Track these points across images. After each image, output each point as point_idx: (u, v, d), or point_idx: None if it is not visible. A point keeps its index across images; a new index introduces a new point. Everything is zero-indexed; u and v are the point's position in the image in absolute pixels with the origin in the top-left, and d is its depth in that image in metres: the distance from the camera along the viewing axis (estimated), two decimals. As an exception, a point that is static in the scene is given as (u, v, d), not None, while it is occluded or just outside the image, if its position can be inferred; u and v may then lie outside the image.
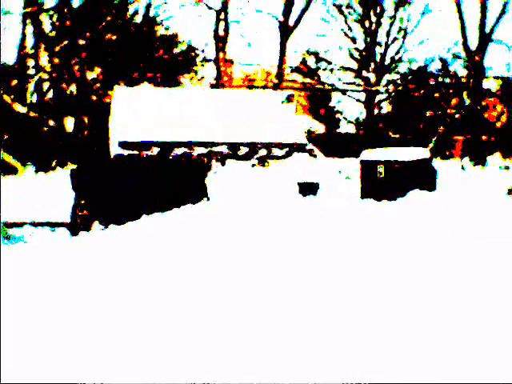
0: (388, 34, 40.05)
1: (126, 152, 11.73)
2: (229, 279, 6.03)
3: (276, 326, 4.52)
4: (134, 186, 10.92)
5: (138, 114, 11.77)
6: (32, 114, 18.08)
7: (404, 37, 40.03)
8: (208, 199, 11.86)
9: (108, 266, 6.72)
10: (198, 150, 12.19)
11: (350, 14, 39.90)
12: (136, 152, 11.68)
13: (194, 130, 12.24)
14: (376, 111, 39.63)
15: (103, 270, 6.55)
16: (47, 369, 3.72)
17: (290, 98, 15.06)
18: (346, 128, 43.17)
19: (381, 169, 15.12)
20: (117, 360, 3.85)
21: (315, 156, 21.49)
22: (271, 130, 13.39)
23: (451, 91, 37.44)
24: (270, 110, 13.44)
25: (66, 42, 20.41)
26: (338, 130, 43.42)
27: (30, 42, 22.21)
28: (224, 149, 12.76)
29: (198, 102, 12.41)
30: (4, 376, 3.56)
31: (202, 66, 32.11)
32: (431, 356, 3.86)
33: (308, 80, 42.04)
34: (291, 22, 31.60)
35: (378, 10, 39.71)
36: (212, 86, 30.54)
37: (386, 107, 40.48)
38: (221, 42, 31.64)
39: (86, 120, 16.83)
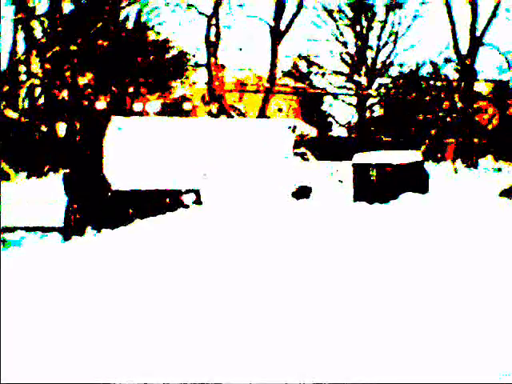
0: (379, 38, 40.14)
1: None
2: (223, 280, 6.04)
3: (272, 326, 4.53)
4: (126, 190, 10.91)
5: (131, 155, 11.71)
6: (24, 119, 18.05)
7: (395, 41, 40.12)
8: (201, 203, 11.85)
9: (101, 271, 6.72)
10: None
11: (340, 18, 39.97)
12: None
13: (184, 175, 12.19)
14: (368, 115, 39.70)
15: (96, 274, 6.55)
16: (44, 370, 3.72)
17: (293, 129, 15.10)
18: (338, 131, 43.22)
19: (373, 172, 15.15)
20: (115, 360, 3.86)
21: (308, 159, 21.48)
22: (266, 177, 13.41)
23: (442, 94, 37.52)
24: (269, 149, 13.42)
25: (57, 48, 20.40)
26: (330, 134, 43.45)
27: (21, 48, 22.19)
28: None
29: (192, 139, 12.33)
30: (4, 376, 3.56)
31: (194, 70, 32.11)
32: (430, 357, 3.88)
33: (300, 84, 42.09)
34: (282, 27, 31.61)
35: (369, 14, 39.79)
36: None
37: (378, 111, 40.56)
38: (212, 47, 31.63)
39: (78, 125, 16.83)
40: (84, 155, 10.47)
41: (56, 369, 3.75)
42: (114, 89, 22.21)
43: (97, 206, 9.92)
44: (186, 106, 30.49)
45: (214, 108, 29.07)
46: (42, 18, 21.26)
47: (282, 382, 3.44)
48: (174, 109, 30.23)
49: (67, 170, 9.97)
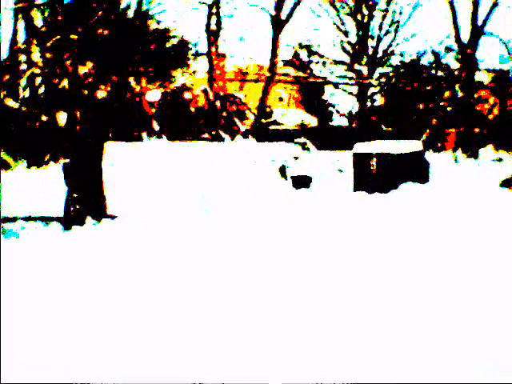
0: (380, 27, 40.07)
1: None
2: (225, 273, 6.05)
3: (273, 321, 4.54)
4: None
5: (128, 181, 11.69)
6: (24, 108, 18.02)
7: (396, 30, 40.05)
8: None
9: (101, 261, 6.73)
10: None
11: (341, 7, 39.88)
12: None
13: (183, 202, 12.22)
14: (368, 104, 39.66)
15: (96, 264, 6.57)
16: (43, 368, 3.74)
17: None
18: (338, 121, 43.22)
19: (373, 161, 15.16)
20: (114, 359, 3.87)
21: (308, 149, 21.49)
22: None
23: (443, 84, 37.48)
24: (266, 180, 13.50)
25: (57, 37, 20.36)
26: (330, 123, 43.43)
27: (21, 37, 22.16)
28: None
29: (190, 165, 12.30)
30: (4, 376, 3.57)
31: (195, 60, 32.09)
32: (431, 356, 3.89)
33: (300, 73, 42.03)
34: (283, 16, 31.55)
35: (370, 3, 39.71)
36: (207, 89, 30.44)
37: (379, 100, 40.52)
38: (213, 36, 31.59)
39: (78, 114, 16.81)
40: (84, 145, 10.47)
41: (57, 364, 3.76)
42: (114, 78, 22.16)
43: (96, 197, 9.94)
44: (187, 95, 30.49)
45: (217, 103, 29.06)
46: (43, 7, 21.22)
47: (280, 382, 3.46)
48: (174, 98, 30.23)
49: (67, 160, 9.98)
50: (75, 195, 9.64)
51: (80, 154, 10.47)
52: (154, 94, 27.10)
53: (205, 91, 30.53)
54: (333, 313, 4.58)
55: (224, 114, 28.38)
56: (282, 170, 13.42)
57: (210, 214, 10.68)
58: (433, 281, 5.48)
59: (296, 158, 15.33)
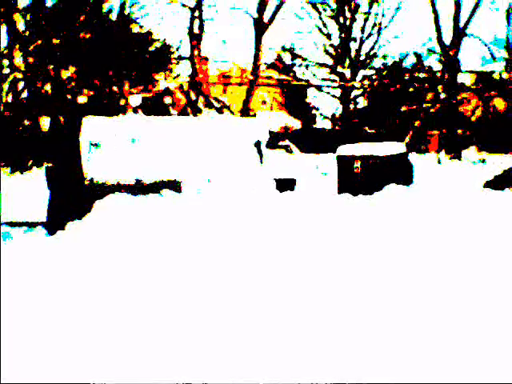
0: (363, 30, 40.15)
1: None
2: (207, 274, 6.04)
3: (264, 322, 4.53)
4: (102, 182, 10.88)
5: (107, 148, 11.63)
6: (7, 113, 17.97)
7: (379, 32, 40.15)
8: (180, 191, 11.84)
9: (86, 264, 6.71)
10: None
11: (324, 10, 39.95)
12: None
13: (162, 166, 12.18)
14: (352, 107, 39.73)
15: (81, 268, 6.54)
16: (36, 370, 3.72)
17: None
18: (322, 124, 43.26)
19: (357, 164, 15.18)
20: (111, 358, 3.86)
21: (292, 152, 21.51)
22: (247, 168, 13.44)
23: (426, 86, 37.60)
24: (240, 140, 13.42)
25: (40, 42, 20.32)
26: (314, 126, 43.48)
27: (4, 41, 22.10)
28: None
29: (168, 134, 12.26)
30: (4, 376, 3.55)
31: (177, 63, 32.06)
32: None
33: (283, 76, 42.08)
34: (266, 19, 31.58)
35: (353, 6, 39.80)
36: (189, 86, 30.42)
37: (362, 102, 40.62)
38: (196, 39, 31.58)
39: (61, 119, 16.77)
40: (66, 149, 10.44)
41: (50, 367, 3.74)
42: (96, 82, 22.13)
43: (77, 199, 9.90)
44: (167, 99, 30.45)
45: (192, 95, 29.03)
46: (25, 12, 21.16)
47: (277, 382, 3.45)
48: (155, 102, 30.21)
49: (50, 164, 9.94)
50: (57, 199, 9.61)
51: (61, 159, 10.43)
52: (135, 99, 27.07)
53: (181, 87, 30.47)
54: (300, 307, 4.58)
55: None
56: (258, 145, 13.39)
57: (189, 204, 10.68)
58: (417, 281, 5.49)
59: (273, 133, 15.25)
